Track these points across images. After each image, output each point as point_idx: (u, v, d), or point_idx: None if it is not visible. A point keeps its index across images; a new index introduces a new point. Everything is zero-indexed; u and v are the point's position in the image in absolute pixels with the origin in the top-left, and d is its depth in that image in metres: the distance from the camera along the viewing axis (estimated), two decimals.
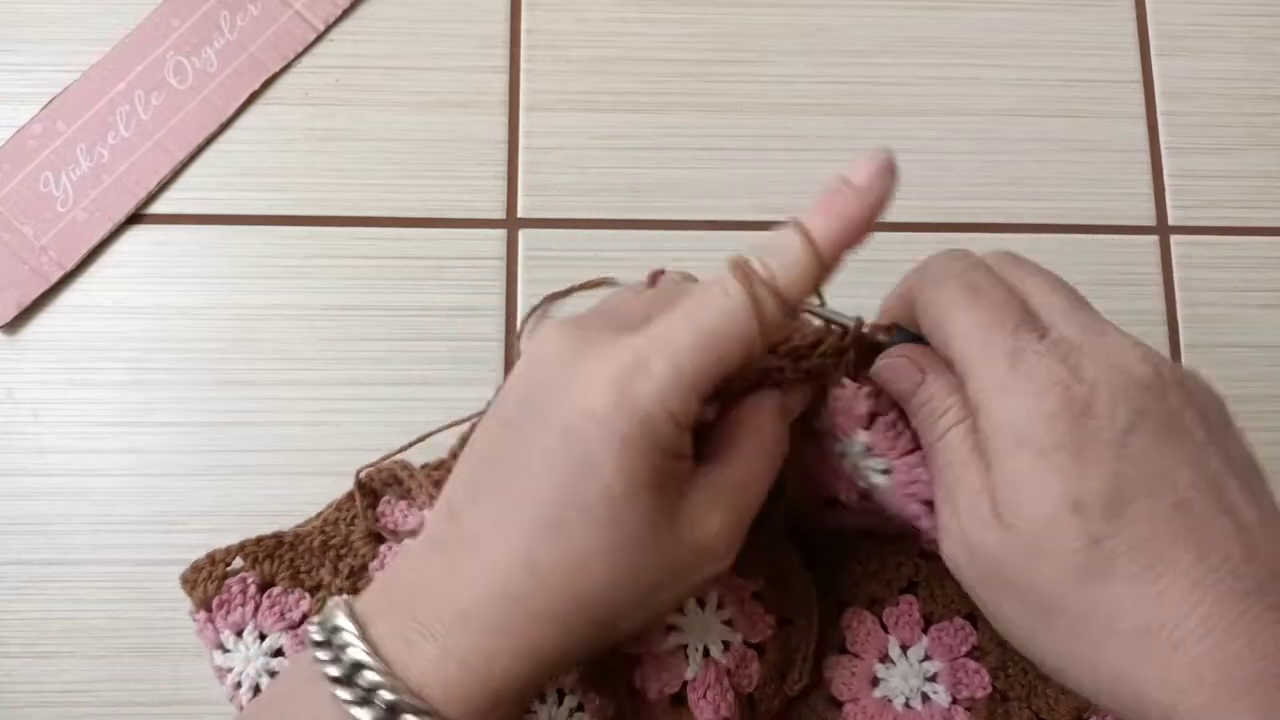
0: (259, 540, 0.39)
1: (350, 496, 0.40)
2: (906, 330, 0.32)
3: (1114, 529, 0.26)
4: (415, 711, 0.26)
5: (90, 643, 0.42)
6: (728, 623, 0.37)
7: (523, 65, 0.48)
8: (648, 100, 0.48)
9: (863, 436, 0.33)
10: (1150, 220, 0.48)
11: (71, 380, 0.44)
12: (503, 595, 0.28)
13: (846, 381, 0.32)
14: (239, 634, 0.37)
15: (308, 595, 0.38)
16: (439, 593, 0.29)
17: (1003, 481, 0.27)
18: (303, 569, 0.38)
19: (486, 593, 0.28)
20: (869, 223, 0.29)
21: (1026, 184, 0.48)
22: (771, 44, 0.49)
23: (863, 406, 0.32)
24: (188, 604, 0.43)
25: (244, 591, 0.38)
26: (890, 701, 0.39)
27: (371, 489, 0.40)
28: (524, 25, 0.48)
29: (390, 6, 0.48)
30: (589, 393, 0.28)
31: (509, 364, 0.45)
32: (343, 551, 0.39)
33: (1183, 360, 0.47)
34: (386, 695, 0.27)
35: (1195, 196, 0.48)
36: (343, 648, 0.28)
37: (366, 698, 0.27)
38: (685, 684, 0.36)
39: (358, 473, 0.40)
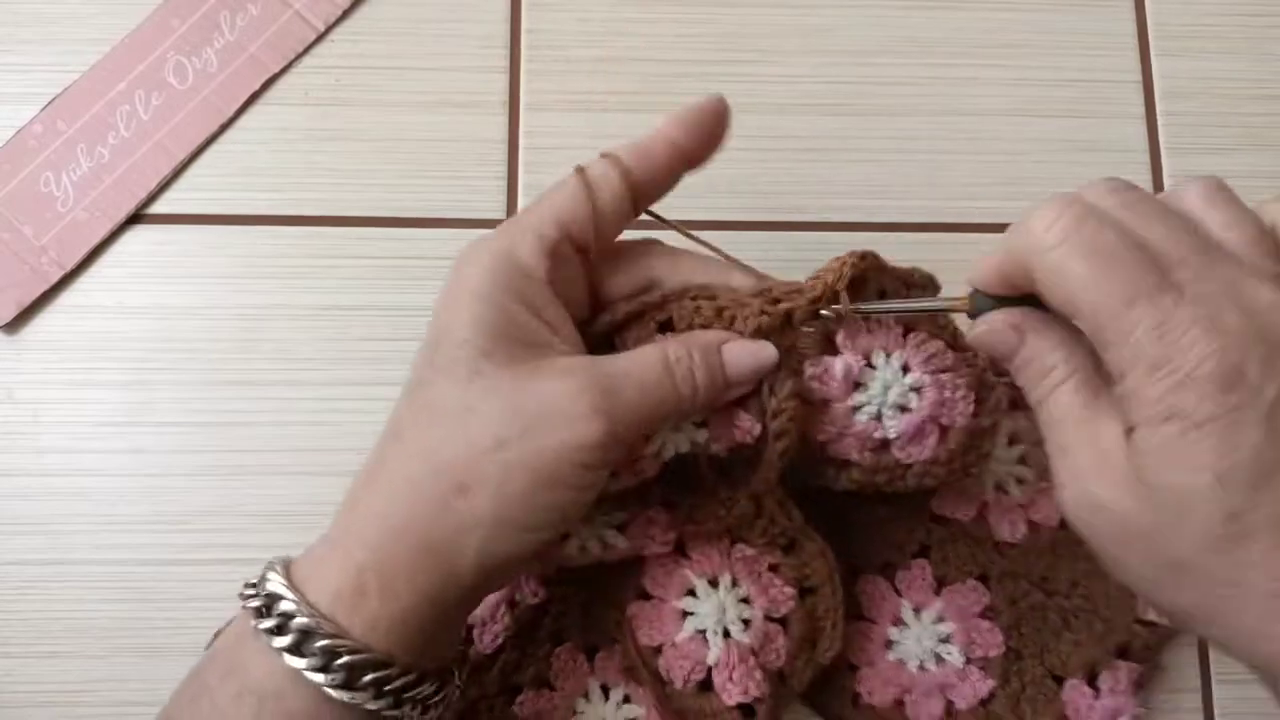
0: None
1: None
2: (986, 295, 0.31)
3: (1255, 503, 0.26)
4: (300, 613, 0.29)
5: (90, 643, 0.42)
6: (745, 600, 0.36)
7: (523, 65, 0.48)
8: (648, 100, 0.48)
9: (897, 355, 0.33)
10: None
11: (71, 380, 0.44)
12: (373, 469, 0.31)
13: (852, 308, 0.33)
14: None
15: None
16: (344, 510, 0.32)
17: (1146, 448, 0.27)
18: None
19: (361, 476, 0.32)
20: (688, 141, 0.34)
21: (1026, 184, 0.48)
22: (771, 44, 0.49)
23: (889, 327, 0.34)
24: (188, 604, 0.43)
25: None
26: (905, 664, 0.39)
27: None
28: (524, 25, 0.48)
29: (390, 6, 0.48)
30: (461, 272, 0.32)
31: None
32: None
33: None
34: (298, 620, 0.29)
35: None
36: (265, 591, 0.31)
37: (281, 625, 0.30)
38: (710, 669, 0.36)
39: None
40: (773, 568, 0.37)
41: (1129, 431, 0.28)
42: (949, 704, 0.39)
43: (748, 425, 0.34)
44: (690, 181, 0.47)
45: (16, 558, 0.42)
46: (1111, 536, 0.29)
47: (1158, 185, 0.48)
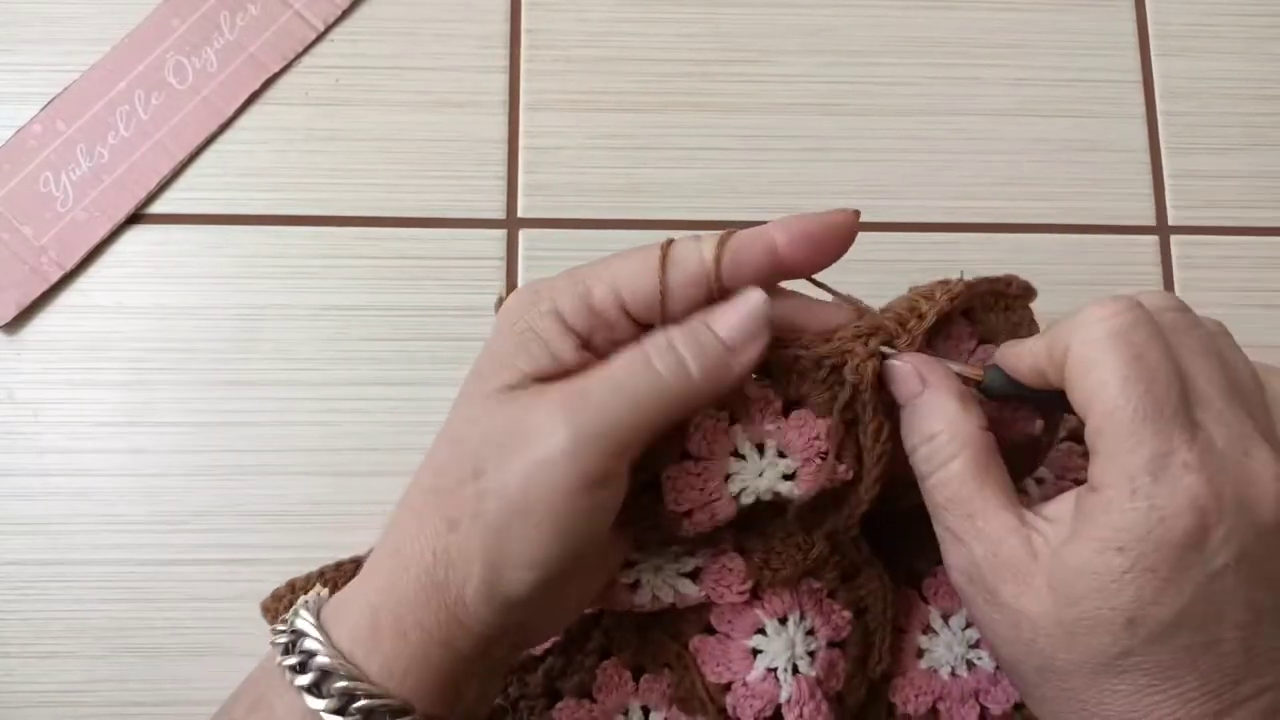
0: (338, 565, 0.39)
1: None
2: (1002, 374, 0.31)
3: (1149, 652, 0.27)
4: (335, 669, 0.28)
5: (90, 643, 0.42)
6: (810, 632, 0.36)
7: (523, 65, 0.48)
8: (648, 100, 0.48)
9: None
10: (1150, 220, 0.48)
11: (71, 380, 0.44)
12: (408, 487, 0.31)
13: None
14: None
15: None
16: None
17: (1078, 564, 0.27)
18: None
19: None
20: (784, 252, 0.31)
21: (1026, 184, 0.48)
22: (771, 44, 0.49)
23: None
24: (188, 604, 0.43)
25: None
26: (936, 671, 0.39)
27: None
28: (524, 25, 0.48)
29: (390, 6, 0.48)
30: (510, 297, 0.31)
31: None
32: None
33: None
34: (319, 659, 0.28)
35: (1195, 196, 0.48)
36: (293, 627, 0.30)
37: (304, 662, 0.29)
38: (780, 705, 0.35)
39: None
40: (831, 594, 0.36)
41: (1050, 536, 0.28)
42: (983, 709, 0.39)
43: (843, 471, 0.33)
44: (690, 181, 0.47)
45: (16, 558, 0.42)
46: (1002, 623, 0.29)
47: (1158, 185, 0.48)
